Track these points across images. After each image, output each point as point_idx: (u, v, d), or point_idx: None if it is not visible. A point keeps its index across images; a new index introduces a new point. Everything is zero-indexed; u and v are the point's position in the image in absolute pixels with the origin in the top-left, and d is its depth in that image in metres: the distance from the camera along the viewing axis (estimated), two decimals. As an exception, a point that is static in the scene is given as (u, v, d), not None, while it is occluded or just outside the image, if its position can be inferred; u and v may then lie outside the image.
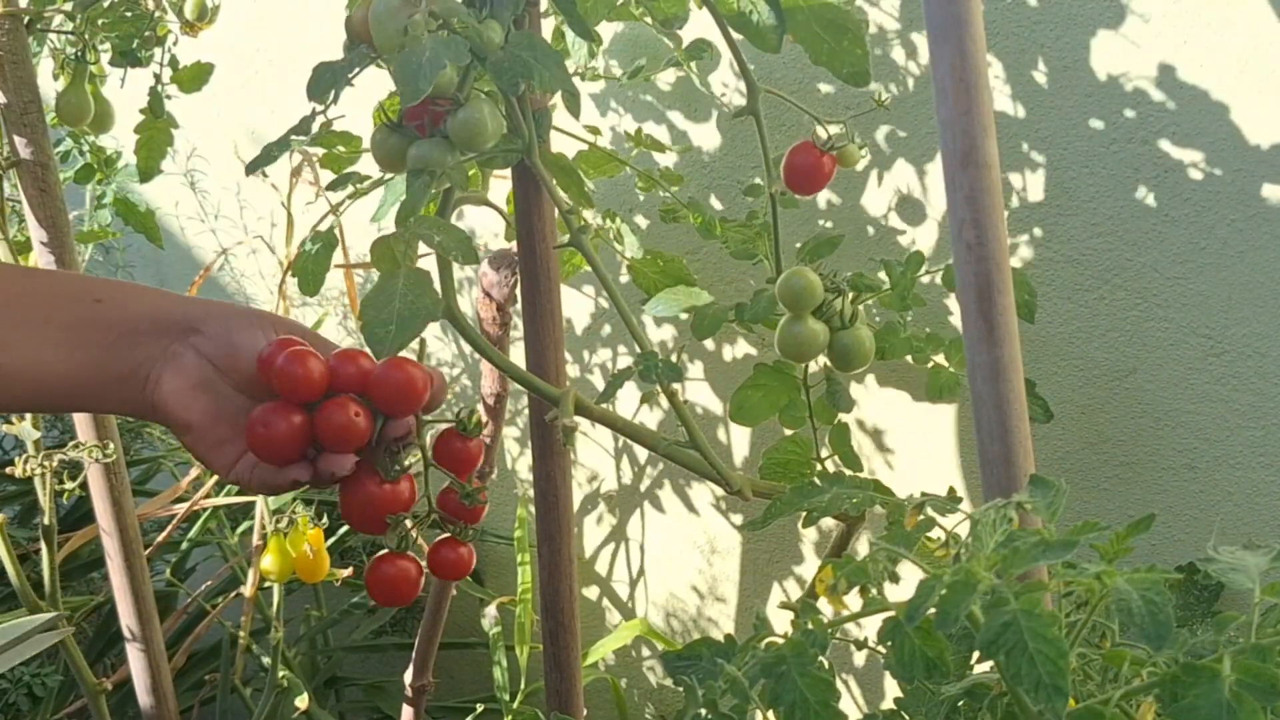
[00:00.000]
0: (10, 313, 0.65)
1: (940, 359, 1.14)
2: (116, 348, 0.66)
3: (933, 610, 0.54)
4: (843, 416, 1.17)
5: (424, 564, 0.73)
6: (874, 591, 0.62)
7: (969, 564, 0.56)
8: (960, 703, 0.67)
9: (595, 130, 1.20)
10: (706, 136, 1.32)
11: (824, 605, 0.82)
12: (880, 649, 0.62)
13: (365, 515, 0.68)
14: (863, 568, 0.61)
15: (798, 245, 1.17)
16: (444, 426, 0.73)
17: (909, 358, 1.15)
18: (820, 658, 0.60)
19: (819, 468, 1.16)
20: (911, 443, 1.30)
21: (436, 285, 0.84)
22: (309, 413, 0.66)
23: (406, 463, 0.69)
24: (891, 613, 0.59)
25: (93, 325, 0.66)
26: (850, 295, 1.08)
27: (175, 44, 1.19)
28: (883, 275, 1.12)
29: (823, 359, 1.11)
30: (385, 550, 0.72)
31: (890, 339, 1.12)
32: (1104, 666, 0.65)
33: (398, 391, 0.67)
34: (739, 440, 1.41)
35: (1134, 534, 0.61)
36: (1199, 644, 0.60)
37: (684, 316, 1.19)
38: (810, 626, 0.61)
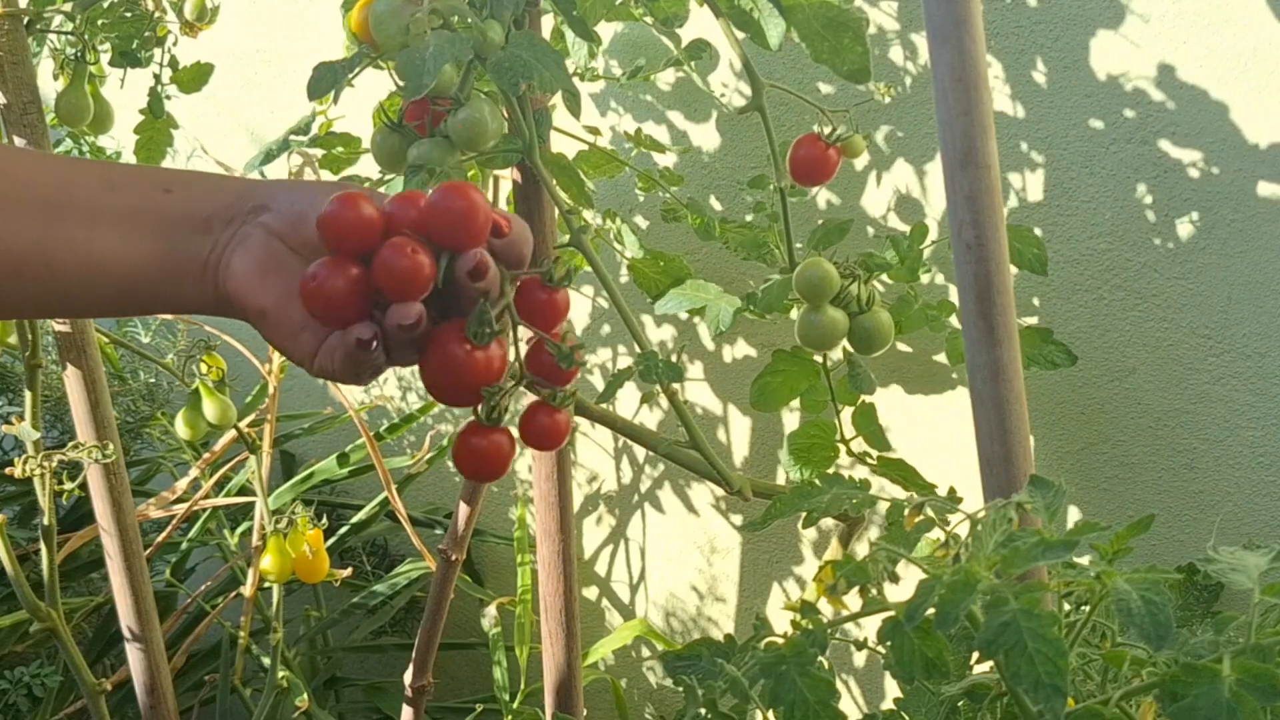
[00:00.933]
0: (61, 200, 0.58)
1: (954, 321, 1.14)
2: (182, 238, 0.59)
3: (932, 610, 0.54)
4: (864, 398, 1.17)
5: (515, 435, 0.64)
6: (874, 592, 0.62)
7: (969, 564, 0.56)
8: (960, 703, 0.67)
9: (595, 131, 1.20)
10: (706, 136, 1.32)
11: (824, 605, 0.82)
12: (880, 649, 0.62)
13: (453, 385, 0.59)
14: (862, 568, 0.61)
15: (798, 246, 1.17)
16: (524, 279, 0.62)
17: (915, 351, 1.15)
18: (820, 658, 0.60)
19: (844, 450, 1.16)
20: (911, 442, 1.30)
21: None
22: (366, 265, 0.57)
23: (497, 325, 0.59)
24: (891, 613, 0.59)
25: (157, 214, 0.59)
26: (865, 278, 1.09)
27: (175, 44, 1.19)
28: (890, 255, 1.13)
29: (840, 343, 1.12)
30: (472, 420, 0.62)
31: (905, 312, 1.13)
32: (1104, 666, 0.65)
33: (457, 218, 0.57)
34: (739, 440, 1.41)
35: (1134, 534, 0.61)
36: (1199, 643, 0.60)
37: (685, 316, 1.19)
38: (810, 627, 0.61)
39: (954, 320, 1.14)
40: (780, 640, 0.62)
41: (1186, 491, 1.17)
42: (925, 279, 1.18)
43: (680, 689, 0.67)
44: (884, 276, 1.14)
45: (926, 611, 0.55)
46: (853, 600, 0.69)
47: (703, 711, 0.64)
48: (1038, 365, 1.11)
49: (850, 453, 1.17)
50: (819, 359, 1.16)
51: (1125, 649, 0.61)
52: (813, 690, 0.59)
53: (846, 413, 1.17)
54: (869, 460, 1.17)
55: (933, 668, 0.58)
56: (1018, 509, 0.61)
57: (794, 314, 1.15)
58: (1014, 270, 1.07)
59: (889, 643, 0.59)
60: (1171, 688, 0.52)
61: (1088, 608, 0.60)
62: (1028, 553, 0.54)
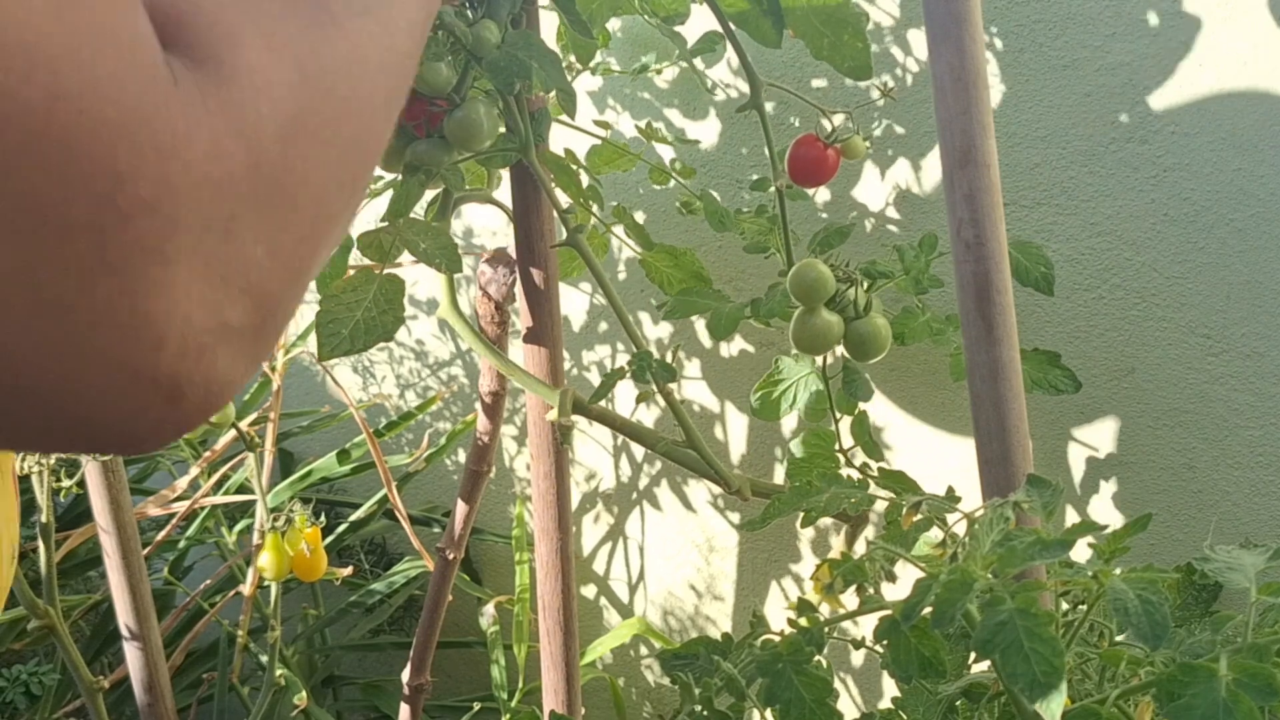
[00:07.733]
0: None
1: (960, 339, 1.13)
2: None
3: (928, 609, 0.54)
4: (861, 406, 1.16)
5: None
6: (871, 590, 0.62)
7: (965, 563, 0.56)
8: (958, 702, 0.67)
9: (606, 125, 1.20)
10: (704, 134, 1.32)
11: (823, 604, 0.82)
12: (878, 649, 0.62)
13: None
14: (859, 566, 0.61)
15: (796, 245, 1.16)
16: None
17: (918, 353, 1.15)
18: (817, 656, 0.60)
19: (843, 460, 1.15)
20: (910, 442, 1.30)
21: (436, 285, 0.84)
22: None
23: None
24: (888, 612, 0.59)
25: None
26: (864, 284, 1.07)
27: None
28: (896, 267, 1.12)
29: (838, 350, 1.11)
30: None
31: (909, 323, 1.11)
32: (1102, 666, 0.65)
33: None
34: (736, 438, 1.41)
35: (1131, 534, 0.61)
36: (1197, 643, 0.60)
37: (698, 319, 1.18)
38: (807, 625, 0.61)
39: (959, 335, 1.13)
40: (777, 638, 0.62)
41: (1185, 491, 1.17)
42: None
43: (677, 687, 0.67)
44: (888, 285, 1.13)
45: (923, 610, 0.54)
46: (850, 599, 0.69)
47: (699, 709, 0.63)
48: (1041, 389, 1.09)
49: (849, 463, 1.15)
50: (819, 362, 1.15)
51: (1123, 648, 0.61)
52: (809, 688, 0.59)
53: (846, 421, 1.16)
54: (869, 472, 1.16)
55: (929, 666, 0.58)
56: (1016, 509, 0.61)
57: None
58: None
59: (885, 641, 0.59)
60: (1168, 687, 0.52)
61: (1085, 607, 0.60)
62: (1024, 552, 0.54)
